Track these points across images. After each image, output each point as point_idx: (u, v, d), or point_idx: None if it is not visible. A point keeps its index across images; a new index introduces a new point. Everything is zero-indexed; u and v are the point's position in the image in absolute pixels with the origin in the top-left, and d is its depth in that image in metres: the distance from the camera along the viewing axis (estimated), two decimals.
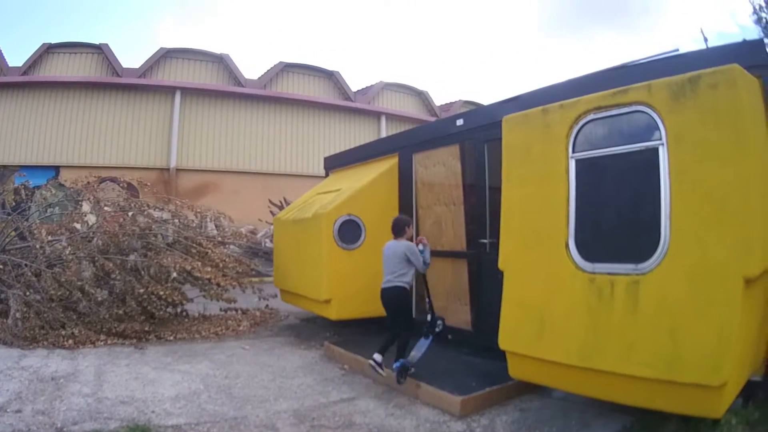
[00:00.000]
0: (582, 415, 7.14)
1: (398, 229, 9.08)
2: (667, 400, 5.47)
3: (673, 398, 5.39)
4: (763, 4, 21.43)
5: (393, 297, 8.75)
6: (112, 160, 24.95)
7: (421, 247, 9.03)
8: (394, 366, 8.40)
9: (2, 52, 25.59)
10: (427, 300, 9.41)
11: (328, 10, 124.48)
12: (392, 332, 8.88)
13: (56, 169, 24.35)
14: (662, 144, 5.67)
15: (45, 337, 10.62)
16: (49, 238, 12.56)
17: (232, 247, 16.07)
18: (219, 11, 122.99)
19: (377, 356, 8.61)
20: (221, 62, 28.18)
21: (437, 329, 9.12)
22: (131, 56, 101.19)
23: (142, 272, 12.15)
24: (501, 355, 7.19)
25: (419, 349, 8.89)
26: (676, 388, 5.24)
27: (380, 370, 8.53)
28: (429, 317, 9.24)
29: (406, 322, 8.88)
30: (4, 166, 23.81)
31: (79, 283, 11.51)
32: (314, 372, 9.59)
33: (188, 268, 12.25)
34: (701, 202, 5.32)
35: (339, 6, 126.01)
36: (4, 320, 10.79)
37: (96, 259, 12.10)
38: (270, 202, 27.04)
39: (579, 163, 6.47)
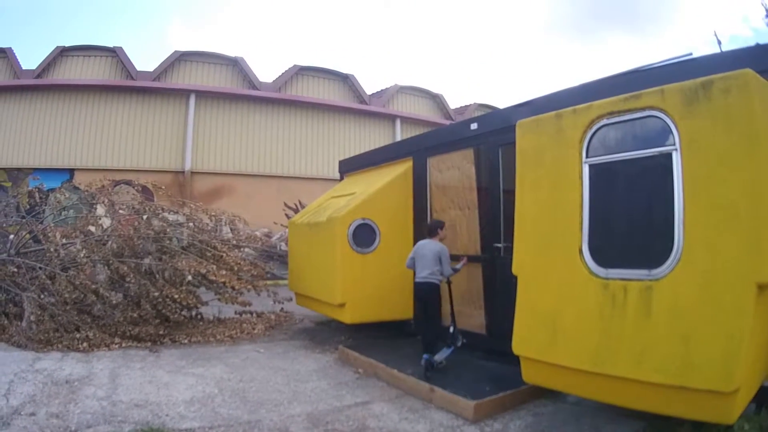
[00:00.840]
0: (594, 420, 7.15)
1: (432, 230, 9.67)
2: (680, 405, 5.45)
3: (686, 404, 5.37)
4: None
5: (426, 290, 9.27)
6: (127, 163, 25.00)
7: (459, 265, 9.63)
8: (424, 357, 8.79)
9: (16, 55, 25.68)
10: (450, 310, 9.52)
11: (342, 13, 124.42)
12: (426, 328, 9.47)
13: (71, 171, 24.38)
14: (675, 149, 5.65)
15: (59, 339, 10.67)
16: (64, 241, 12.60)
17: (246, 250, 16.11)
18: (231, 15, 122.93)
19: (427, 356, 8.89)
20: (236, 65, 28.17)
21: (458, 344, 9.43)
22: (144, 59, 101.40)
23: (157, 275, 12.19)
24: (514, 360, 7.15)
25: (440, 355, 9.10)
26: (689, 393, 5.23)
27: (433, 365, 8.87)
28: (451, 329, 9.47)
29: (435, 313, 9.38)
30: (19, 169, 23.89)
31: (94, 286, 11.56)
32: (328, 376, 9.60)
33: (203, 271, 12.30)
34: (714, 208, 5.29)
35: (353, 9, 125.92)
36: (19, 323, 10.85)
37: (110, 262, 12.15)
38: (285, 205, 27.03)
39: (592, 168, 6.45)
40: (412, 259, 9.59)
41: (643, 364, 5.53)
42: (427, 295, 9.30)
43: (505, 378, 8.29)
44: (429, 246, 9.31)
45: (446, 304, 9.66)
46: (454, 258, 9.79)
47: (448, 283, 9.58)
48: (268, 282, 14.69)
